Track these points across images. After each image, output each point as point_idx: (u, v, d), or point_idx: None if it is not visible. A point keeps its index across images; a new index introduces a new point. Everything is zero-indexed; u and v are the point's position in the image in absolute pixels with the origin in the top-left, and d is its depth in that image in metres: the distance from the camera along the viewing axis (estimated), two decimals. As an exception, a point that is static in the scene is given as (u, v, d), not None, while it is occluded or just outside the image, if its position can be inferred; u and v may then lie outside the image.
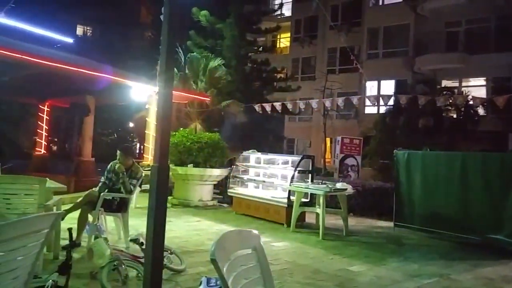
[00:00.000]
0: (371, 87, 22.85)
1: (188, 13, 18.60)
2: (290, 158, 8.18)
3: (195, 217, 7.97)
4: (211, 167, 9.39)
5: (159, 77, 3.55)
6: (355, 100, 12.06)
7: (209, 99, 13.23)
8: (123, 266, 3.82)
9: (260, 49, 21.89)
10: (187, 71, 14.66)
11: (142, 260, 3.91)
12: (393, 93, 16.55)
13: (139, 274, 3.90)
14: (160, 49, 3.53)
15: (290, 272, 4.71)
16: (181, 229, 6.73)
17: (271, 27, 21.37)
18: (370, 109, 21.55)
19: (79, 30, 32.26)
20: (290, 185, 7.32)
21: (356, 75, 22.07)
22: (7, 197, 4.36)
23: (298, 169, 7.54)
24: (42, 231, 2.02)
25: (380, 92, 21.41)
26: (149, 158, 10.87)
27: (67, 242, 3.35)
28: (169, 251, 4.36)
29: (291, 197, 7.35)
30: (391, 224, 7.73)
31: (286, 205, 7.40)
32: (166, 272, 4.06)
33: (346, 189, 7.18)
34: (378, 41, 23.54)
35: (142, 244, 4.15)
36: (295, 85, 20.96)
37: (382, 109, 17.76)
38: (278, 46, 30.04)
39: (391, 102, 13.73)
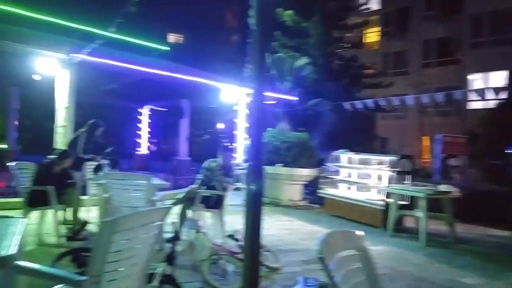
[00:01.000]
0: (474, 81, 20.77)
1: (273, 14, 18.78)
2: (386, 158, 7.76)
3: (286, 217, 7.98)
4: (300, 167, 9.33)
5: (252, 79, 3.62)
6: (458, 94, 11.04)
7: (295, 99, 13.22)
8: (222, 261, 3.95)
9: (348, 45, 21.25)
10: (273, 72, 14.81)
11: (239, 256, 4.01)
12: (506, 85, 14.75)
13: (237, 269, 3.99)
14: (247, 51, 3.57)
15: (390, 278, 4.44)
16: (273, 227, 6.77)
17: (358, 22, 20.63)
18: (474, 105, 19.60)
19: (171, 38, 34.61)
20: (388, 186, 6.96)
21: (456, 68, 20.26)
22: (118, 192, 4.81)
23: (395, 169, 7.14)
24: (156, 223, 2.16)
25: (487, 85, 19.31)
26: (238, 157, 11.20)
27: (168, 235, 3.56)
28: (264, 249, 4.40)
29: (388, 199, 6.97)
30: (508, 233, 6.90)
31: (383, 208, 7.04)
32: (262, 269, 4.09)
33: (451, 191, 6.58)
34: (483, 28, 21.27)
35: (237, 240, 4.27)
36: (386, 81, 19.95)
37: (489, 104, 16.01)
38: (366, 41, 28.96)
39: (502, 96, 12.25)
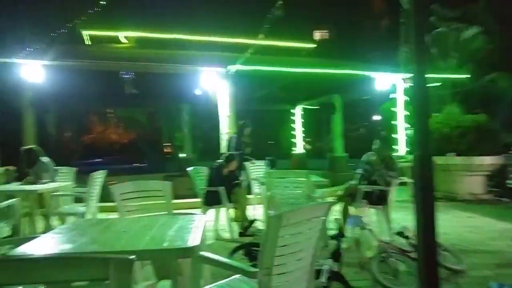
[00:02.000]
0: None
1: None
2: None
3: (465, 212, 7.02)
4: (480, 154, 8.08)
5: (411, 61, 3.27)
6: None
7: (466, 76, 11.57)
8: (392, 259, 3.66)
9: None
10: (432, 50, 13.27)
11: (411, 255, 3.65)
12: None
13: (409, 269, 3.64)
14: (400, 33, 3.21)
15: None
16: (449, 225, 6.01)
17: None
18: None
19: (317, 35, 34.75)
20: None
21: None
22: (280, 189, 4.97)
23: None
24: (320, 218, 2.10)
25: None
26: (400, 149, 10.42)
27: (333, 232, 3.47)
28: (442, 248, 3.91)
29: None
30: None
31: None
32: (442, 271, 3.63)
33: None
34: None
35: (408, 238, 3.90)
36: None
37: None
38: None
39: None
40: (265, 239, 1.90)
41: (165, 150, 19.90)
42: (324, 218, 2.14)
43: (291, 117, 15.02)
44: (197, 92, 10.25)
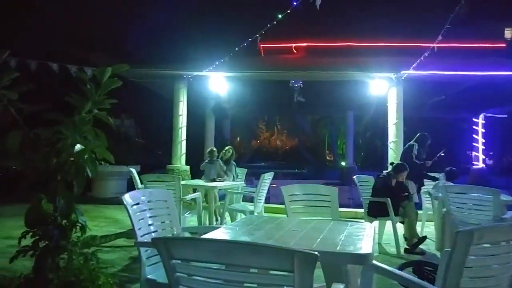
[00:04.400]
0: None
1: None
2: None
3: None
4: None
5: None
6: None
7: None
8: None
9: None
10: None
11: None
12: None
13: None
14: None
15: None
16: None
17: None
18: None
19: (508, 33, 29.79)
20: None
21: None
22: (457, 207, 4.41)
23: None
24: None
25: None
26: None
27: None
28: None
29: None
30: None
31: None
32: None
33: None
34: None
35: None
36: None
37: None
38: None
39: None
40: (449, 258, 1.69)
41: (326, 157, 20.13)
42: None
43: (474, 127, 13.24)
44: (364, 99, 10.02)
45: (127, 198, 2.65)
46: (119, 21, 13.19)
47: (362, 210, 5.71)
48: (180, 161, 9.98)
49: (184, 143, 10.09)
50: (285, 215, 3.58)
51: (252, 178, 8.96)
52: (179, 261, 1.47)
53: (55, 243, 3.31)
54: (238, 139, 22.33)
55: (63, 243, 3.36)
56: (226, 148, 7.13)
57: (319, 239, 2.17)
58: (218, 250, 1.41)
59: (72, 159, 3.52)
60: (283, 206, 7.20)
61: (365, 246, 1.98)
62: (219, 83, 10.03)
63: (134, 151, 11.06)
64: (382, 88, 8.77)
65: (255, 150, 23.63)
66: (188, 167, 10.02)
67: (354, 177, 5.79)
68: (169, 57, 10.24)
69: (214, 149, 7.01)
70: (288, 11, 8.10)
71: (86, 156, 3.53)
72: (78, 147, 3.49)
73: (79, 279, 3.30)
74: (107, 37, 12.63)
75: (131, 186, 10.41)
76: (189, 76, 9.87)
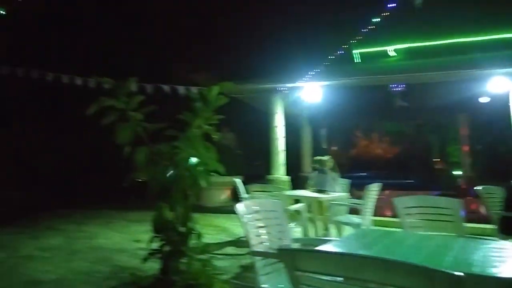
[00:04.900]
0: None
1: None
2: None
3: None
4: None
5: None
6: None
7: None
8: None
9: None
10: None
11: None
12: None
13: None
14: None
15: None
16: None
17: None
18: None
19: None
20: None
21: None
22: None
23: None
24: None
25: None
26: None
27: None
28: None
29: None
30: None
31: None
32: None
33: None
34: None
35: None
36: None
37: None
38: None
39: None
40: None
41: (435, 166, 18.55)
42: None
43: None
44: (479, 100, 9.04)
45: (241, 207, 2.73)
46: (215, 41, 13.97)
47: (490, 225, 5.06)
48: (280, 172, 10.11)
49: (282, 154, 10.20)
50: (395, 229, 3.35)
51: (353, 189, 8.64)
52: (304, 273, 1.45)
53: (176, 248, 3.59)
54: (334, 148, 21.90)
55: (183, 249, 3.62)
56: (326, 158, 6.92)
57: (450, 258, 1.97)
58: (348, 264, 1.36)
59: (187, 171, 3.80)
60: (391, 219, 6.80)
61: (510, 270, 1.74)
62: (313, 92, 9.99)
63: (235, 163, 11.53)
64: (502, 86, 7.82)
65: (353, 159, 22.90)
66: (288, 177, 10.08)
67: (479, 187, 5.15)
68: (264, 71, 10.52)
69: (325, 158, 6.80)
70: (387, 13, 7.74)
71: (200, 168, 3.78)
72: (192, 160, 3.75)
73: (198, 282, 3.51)
74: (205, 56, 13.46)
75: (234, 196, 10.87)
76: (284, 89, 10.01)
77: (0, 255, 5.65)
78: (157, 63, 12.59)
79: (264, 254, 2.53)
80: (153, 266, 4.01)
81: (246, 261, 5.17)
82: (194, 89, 7.46)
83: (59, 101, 11.89)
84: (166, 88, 8.74)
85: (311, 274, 1.44)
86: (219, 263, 4.64)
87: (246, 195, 6.23)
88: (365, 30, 8.99)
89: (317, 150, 12.65)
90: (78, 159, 12.64)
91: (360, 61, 11.43)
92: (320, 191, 6.25)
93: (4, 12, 7.46)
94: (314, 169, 6.76)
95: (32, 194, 10.18)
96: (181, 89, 8.77)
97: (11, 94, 11.38)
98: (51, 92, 10.26)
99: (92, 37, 12.68)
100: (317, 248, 2.37)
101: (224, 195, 10.97)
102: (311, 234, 6.08)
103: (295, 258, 1.44)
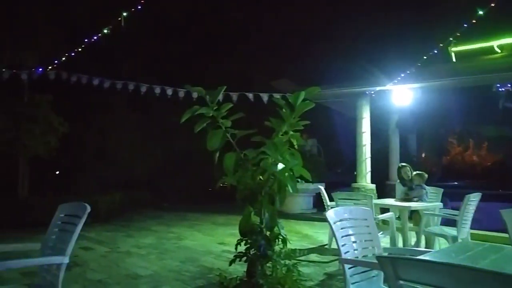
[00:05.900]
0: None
1: None
2: None
3: None
4: None
5: None
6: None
7: None
8: None
9: None
10: None
11: None
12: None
13: None
14: None
15: None
16: None
17: None
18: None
19: None
20: None
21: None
22: None
23: None
24: None
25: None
26: None
27: None
28: None
29: None
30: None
31: None
32: None
33: None
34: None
35: None
36: None
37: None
38: None
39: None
40: None
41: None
42: None
43: None
44: None
45: (331, 214, 2.67)
46: (297, 46, 14.00)
47: None
48: (366, 180, 9.75)
49: (368, 161, 9.84)
50: (498, 244, 2.99)
51: (447, 199, 8.00)
52: (407, 283, 1.37)
53: (262, 252, 3.64)
54: (424, 155, 20.49)
55: (269, 253, 3.66)
56: (415, 173, 6.35)
57: None
58: (458, 276, 1.25)
59: (274, 176, 3.84)
60: (490, 233, 6.19)
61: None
62: (403, 95, 9.50)
63: (317, 169, 11.39)
64: None
65: (445, 166, 21.21)
66: (373, 186, 9.68)
67: None
68: (350, 75, 10.25)
69: (417, 173, 6.32)
70: (492, 4, 7.08)
71: (286, 173, 3.80)
72: (279, 165, 3.78)
73: (283, 287, 3.52)
74: (286, 63, 13.54)
75: (316, 203, 10.74)
76: (372, 92, 9.66)
77: (104, 250, 6.26)
78: (241, 72, 13.02)
79: (356, 262, 2.44)
80: (238, 268, 4.12)
81: (330, 269, 5.06)
82: (277, 95, 7.56)
83: (152, 110, 12.87)
84: (250, 95, 9.02)
85: (415, 285, 1.35)
86: (303, 269, 4.60)
87: (331, 203, 6.10)
88: (465, 25, 8.31)
89: (405, 157, 11.96)
90: (168, 165, 13.54)
91: (455, 60, 10.57)
92: (407, 199, 5.90)
93: (108, 31, 8.31)
94: (401, 179, 6.37)
95: (127, 196, 11.12)
96: (265, 97, 8.98)
97: (112, 106, 12.63)
98: (144, 102, 11.18)
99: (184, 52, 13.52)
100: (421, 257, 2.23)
101: (306, 202, 10.89)
102: (399, 244, 5.74)
103: (397, 267, 1.37)
